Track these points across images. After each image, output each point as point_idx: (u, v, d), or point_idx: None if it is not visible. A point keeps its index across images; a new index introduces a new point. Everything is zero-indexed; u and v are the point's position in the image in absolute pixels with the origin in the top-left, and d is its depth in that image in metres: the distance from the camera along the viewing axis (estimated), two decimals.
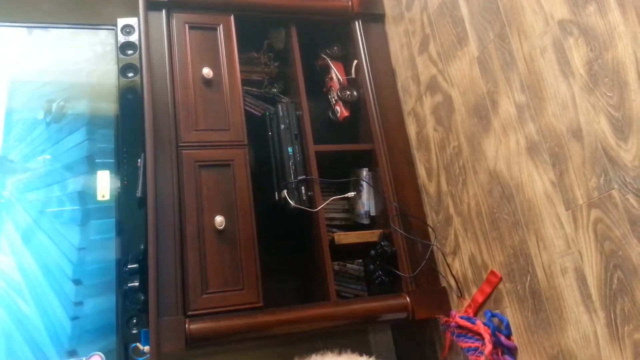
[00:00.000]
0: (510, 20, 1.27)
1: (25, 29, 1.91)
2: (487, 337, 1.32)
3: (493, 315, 1.36)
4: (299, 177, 1.67)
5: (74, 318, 1.57)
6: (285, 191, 1.66)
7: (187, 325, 1.37)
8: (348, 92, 1.85)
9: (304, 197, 1.66)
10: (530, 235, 1.24)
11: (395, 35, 1.84)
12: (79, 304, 1.59)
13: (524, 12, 1.22)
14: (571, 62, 1.09)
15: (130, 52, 1.73)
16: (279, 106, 1.77)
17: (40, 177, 1.72)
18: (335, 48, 1.94)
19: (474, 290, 1.45)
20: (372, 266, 1.66)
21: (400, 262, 1.61)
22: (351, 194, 1.75)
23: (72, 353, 1.54)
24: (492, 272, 1.38)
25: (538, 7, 1.17)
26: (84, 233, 1.68)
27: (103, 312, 1.59)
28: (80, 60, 1.87)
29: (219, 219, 1.50)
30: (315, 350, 1.51)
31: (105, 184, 1.71)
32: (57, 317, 1.58)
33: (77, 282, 1.61)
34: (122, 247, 1.60)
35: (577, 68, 1.08)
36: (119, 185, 1.70)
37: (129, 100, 1.73)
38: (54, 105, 1.80)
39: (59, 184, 1.73)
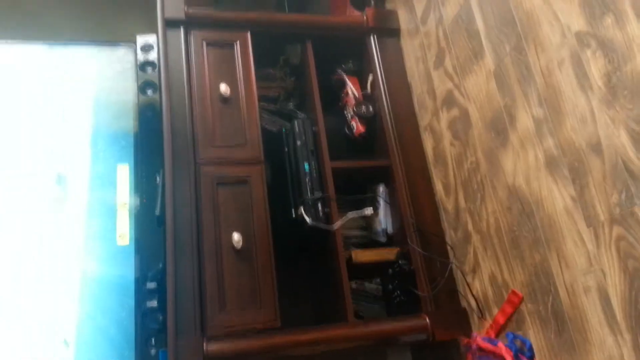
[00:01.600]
0: (527, 33, 1.24)
1: (45, 46, 1.96)
2: (508, 359, 1.28)
3: (515, 337, 1.32)
4: (316, 194, 1.65)
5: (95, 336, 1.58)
6: (302, 208, 1.65)
7: (205, 346, 1.36)
8: (364, 108, 1.83)
9: (321, 214, 1.64)
10: (552, 253, 1.20)
11: (411, 50, 1.83)
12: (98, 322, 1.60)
13: (540, 24, 1.20)
14: (589, 75, 1.06)
15: (149, 69, 1.75)
16: (295, 122, 1.77)
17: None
18: (351, 63, 1.93)
19: (495, 310, 1.41)
20: (390, 285, 1.63)
21: (419, 280, 1.58)
22: (368, 211, 1.73)
23: None
24: (514, 292, 1.33)
25: (555, 19, 1.15)
26: (103, 249, 1.70)
27: (122, 331, 1.60)
28: (99, 77, 1.90)
29: (236, 237, 1.49)
30: None
31: (125, 197, 1.72)
32: (80, 334, 1.59)
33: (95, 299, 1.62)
34: (140, 265, 1.61)
35: (595, 81, 1.05)
36: (138, 203, 1.71)
37: (148, 117, 1.75)
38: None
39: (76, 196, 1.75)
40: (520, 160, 1.29)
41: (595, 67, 1.05)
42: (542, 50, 1.20)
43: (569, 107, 1.13)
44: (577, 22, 1.09)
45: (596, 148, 1.05)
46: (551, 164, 1.18)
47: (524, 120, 1.27)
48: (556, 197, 1.17)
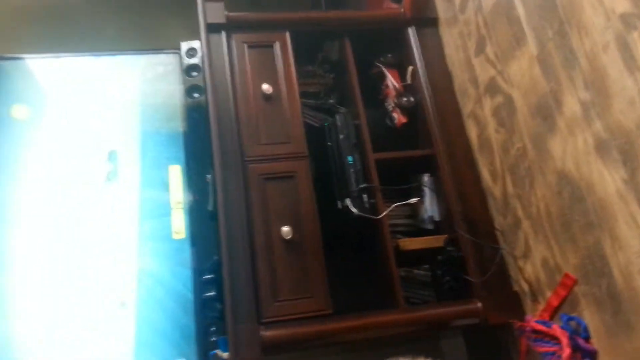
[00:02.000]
0: (569, 17, 1.24)
1: (92, 57, 2.05)
2: (564, 340, 1.29)
3: (570, 319, 1.33)
4: (361, 186, 1.69)
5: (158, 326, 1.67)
6: (348, 200, 1.69)
7: (262, 333, 1.42)
8: (405, 99, 1.85)
9: (367, 205, 1.68)
10: (605, 235, 1.20)
11: (450, 38, 1.84)
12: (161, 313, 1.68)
13: (582, 8, 1.19)
14: (636, 57, 1.06)
15: (194, 73, 1.82)
16: (337, 116, 1.80)
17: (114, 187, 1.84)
18: (390, 55, 1.95)
19: (548, 293, 1.42)
20: (439, 271, 1.65)
21: (469, 266, 1.60)
22: (414, 200, 1.75)
23: None
24: (567, 275, 1.34)
25: (598, 2, 1.15)
26: (161, 243, 1.78)
27: (183, 319, 1.68)
28: (147, 84, 1.98)
29: (286, 229, 1.55)
30: (387, 356, 1.53)
31: (179, 196, 1.80)
32: (141, 325, 1.68)
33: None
34: (197, 258, 1.69)
35: None
36: (191, 199, 1.79)
37: (195, 119, 1.82)
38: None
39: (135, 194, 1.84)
40: (569, 144, 1.29)
41: None
42: (585, 34, 1.19)
43: (616, 89, 1.12)
44: (621, 3, 1.08)
45: None
46: (600, 147, 1.19)
47: (571, 105, 1.27)
48: (607, 180, 1.17)
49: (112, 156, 1.89)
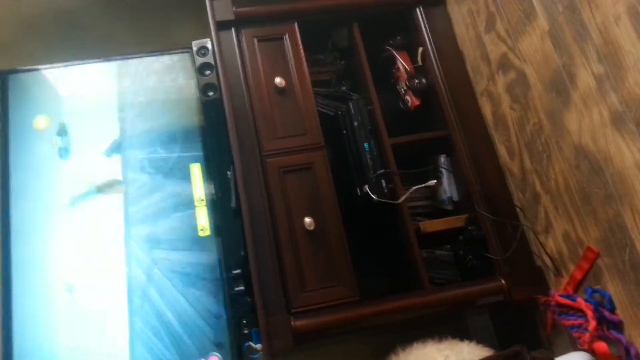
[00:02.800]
0: None
1: (104, 62, 2.08)
2: (589, 313, 1.31)
3: (594, 291, 1.34)
4: (378, 172, 1.71)
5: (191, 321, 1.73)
6: (366, 186, 1.71)
7: (292, 322, 1.46)
8: (417, 81, 1.85)
9: (385, 190, 1.70)
10: (625, 207, 1.20)
11: (459, 17, 1.82)
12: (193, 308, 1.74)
13: None
14: None
15: (207, 72, 1.84)
16: (350, 104, 1.81)
17: (140, 187, 1.89)
18: (399, 38, 1.94)
19: (571, 267, 1.43)
20: (461, 251, 1.67)
21: (490, 244, 1.62)
22: (432, 182, 1.77)
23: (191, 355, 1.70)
24: (589, 248, 1.35)
25: None
26: (187, 241, 1.83)
27: (214, 314, 1.73)
28: (161, 86, 2.01)
29: (308, 220, 1.58)
30: (415, 338, 1.56)
31: (201, 194, 1.85)
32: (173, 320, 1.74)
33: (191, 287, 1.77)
34: (224, 254, 1.73)
35: None
36: (213, 196, 1.83)
37: (211, 117, 1.85)
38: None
39: (160, 193, 1.89)
40: (585, 118, 1.28)
41: None
42: (596, 7, 1.18)
43: (630, 61, 1.12)
44: None
45: None
46: (617, 119, 1.18)
47: (585, 78, 1.26)
48: (625, 152, 1.17)
49: (128, 157, 1.94)
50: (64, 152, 1.93)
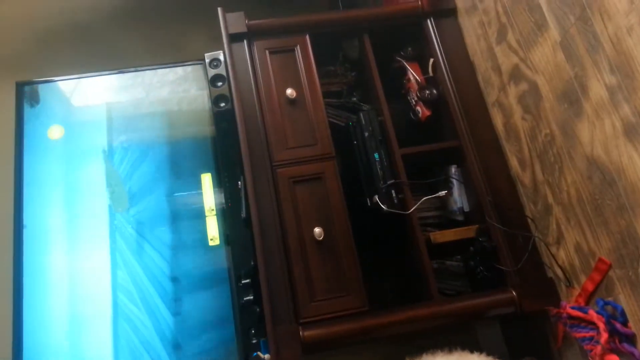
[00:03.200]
0: (591, 2, 1.23)
1: (118, 74, 2.12)
2: (601, 325, 1.29)
3: (606, 304, 1.33)
4: (388, 182, 1.71)
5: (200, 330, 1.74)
6: (376, 196, 1.71)
7: (301, 332, 1.46)
8: (427, 92, 1.86)
9: (395, 201, 1.70)
10: (637, 219, 1.19)
11: (470, 28, 1.83)
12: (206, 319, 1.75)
13: None
14: None
15: (219, 83, 1.86)
16: (361, 114, 1.82)
17: (152, 195, 1.91)
18: (410, 49, 1.95)
19: (583, 279, 1.41)
20: (472, 262, 1.66)
21: (501, 255, 1.61)
22: (442, 193, 1.77)
23: None
24: (601, 260, 1.34)
25: None
26: (197, 250, 1.84)
27: (223, 323, 1.74)
28: (174, 97, 2.04)
29: (318, 231, 1.58)
30: (424, 349, 1.55)
31: (211, 203, 1.86)
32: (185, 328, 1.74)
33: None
34: (234, 265, 1.74)
35: None
36: (224, 205, 1.84)
37: (223, 128, 1.87)
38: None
39: (171, 201, 1.91)
40: (597, 129, 1.28)
41: None
42: (608, 18, 1.18)
43: None
44: None
45: None
46: (629, 131, 1.18)
47: (597, 90, 1.26)
48: (637, 163, 1.17)
49: (144, 166, 1.96)
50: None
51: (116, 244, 1.84)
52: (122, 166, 1.96)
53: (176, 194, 1.95)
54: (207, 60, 1.88)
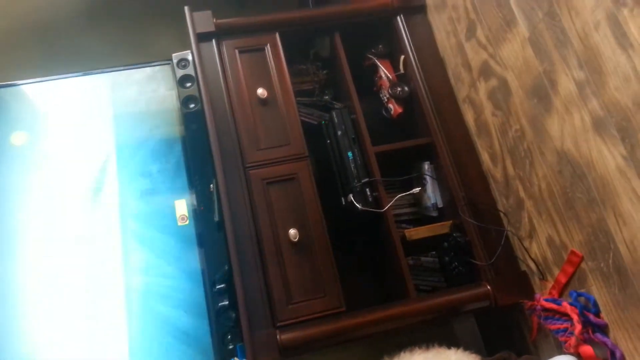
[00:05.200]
0: None
1: (83, 76, 2.06)
2: (575, 317, 1.31)
3: (579, 295, 1.35)
4: (363, 180, 1.70)
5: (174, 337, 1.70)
6: (351, 195, 1.70)
7: (278, 336, 1.44)
8: (399, 88, 1.86)
9: (370, 199, 1.69)
10: (608, 211, 1.21)
11: (440, 24, 1.83)
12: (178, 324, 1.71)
13: None
14: (628, 34, 1.06)
15: (188, 84, 1.82)
16: (334, 113, 1.81)
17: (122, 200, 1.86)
18: (380, 46, 1.95)
19: (556, 271, 1.43)
20: (447, 258, 1.67)
21: (475, 250, 1.62)
22: (416, 190, 1.77)
23: None
24: (573, 252, 1.36)
25: None
26: (170, 257, 1.80)
27: (198, 330, 1.70)
28: (142, 98, 1.99)
29: (293, 232, 1.57)
30: (402, 346, 1.55)
31: (183, 211, 1.82)
32: (157, 336, 1.70)
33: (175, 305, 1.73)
34: (208, 270, 1.70)
35: (635, 39, 1.05)
36: (195, 210, 1.81)
37: (193, 129, 1.83)
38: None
39: (138, 210, 1.86)
40: (566, 123, 1.30)
41: (634, 26, 1.04)
42: (576, 13, 1.19)
43: (610, 67, 1.13)
44: None
45: None
46: (598, 125, 1.19)
47: (566, 84, 1.27)
48: (607, 157, 1.18)
49: (107, 171, 1.91)
50: None
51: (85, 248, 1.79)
52: (91, 170, 1.90)
53: (147, 196, 1.90)
54: (174, 61, 1.84)
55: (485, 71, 1.61)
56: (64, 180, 1.89)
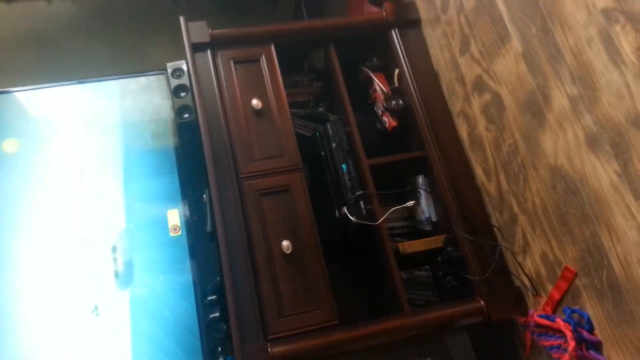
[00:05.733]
0: (551, 13, 1.25)
1: (77, 85, 2.05)
2: (568, 333, 1.30)
3: (573, 312, 1.34)
4: (357, 193, 1.70)
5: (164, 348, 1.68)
6: (345, 208, 1.69)
7: (269, 349, 1.43)
8: (394, 102, 1.86)
9: (364, 212, 1.69)
10: (602, 228, 1.21)
11: (434, 39, 1.84)
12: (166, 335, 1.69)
13: (563, 4, 1.20)
14: (621, 50, 1.07)
15: (182, 94, 1.82)
16: (328, 125, 1.81)
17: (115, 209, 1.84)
18: (375, 59, 1.96)
19: (549, 287, 1.43)
20: (440, 272, 1.66)
21: (469, 265, 1.61)
22: (410, 203, 1.76)
23: None
24: (567, 268, 1.35)
25: None
26: (161, 267, 1.78)
27: (188, 342, 1.68)
28: (136, 108, 1.98)
29: (286, 244, 1.55)
30: (395, 358, 1.54)
31: (175, 221, 1.81)
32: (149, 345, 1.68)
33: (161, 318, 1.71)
34: (200, 281, 1.69)
35: (627, 55, 1.05)
36: (188, 220, 1.79)
37: (187, 140, 1.82)
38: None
39: (129, 220, 1.85)
40: (560, 139, 1.30)
41: (627, 42, 1.05)
42: (569, 29, 1.20)
43: (603, 83, 1.13)
44: None
45: (636, 122, 1.06)
46: (592, 140, 1.20)
47: (559, 100, 1.28)
48: (600, 173, 1.18)
49: (99, 179, 1.89)
50: None
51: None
52: (83, 179, 1.89)
53: (140, 206, 1.88)
54: (169, 70, 1.83)
55: (479, 86, 1.61)
56: (54, 189, 1.87)
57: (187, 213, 1.80)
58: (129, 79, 2.03)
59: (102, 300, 1.73)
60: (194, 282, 1.70)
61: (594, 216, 1.23)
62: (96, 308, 1.72)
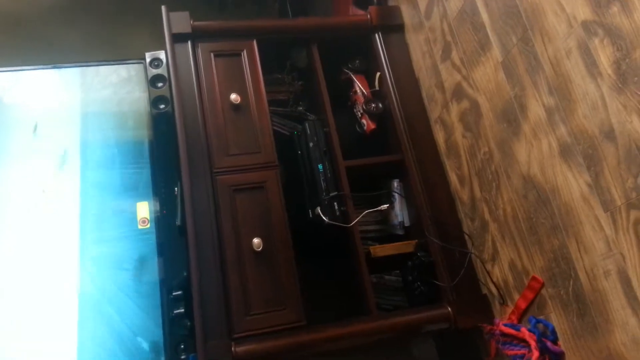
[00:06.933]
0: (532, 23, 1.26)
1: (53, 69, 2.00)
2: (533, 343, 1.31)
3: (538, 322, 1.35)
4: (331, 194, 1.68)
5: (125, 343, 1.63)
6: (318, 208, 1.68)
7: (233, 348, 1.40)
8: (373, 105, 1.86)
9: (337, 213, 1.67)
10: (570, 238, 1.22)
11: (417, 44, 1.85)
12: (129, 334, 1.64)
13: (545, 15, 1.21)
14: (598, 63, 1.08)
15: (160, 84, 1.79)
16: (306, 124, 1.79)
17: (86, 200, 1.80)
18: (357, 62, 1.95)
19: (516, 296, 1.43)
20: (410, 277, 1.66)
21: (439, 271, 1.61)
22: (384, 207, 1.76)
23: None
24: (534, 278, 1.36)
25: (560, 9, 1.17)
26: (127, 261, 1.74)
27: (151, 337, 1.64)
28: (111, 96, 1.94)
29: (257, 241, 1.53)
30: None
31: (145, 213, 1.77)
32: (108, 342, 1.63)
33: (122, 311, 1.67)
34: (166, 277, 1.65)
35: (604, 68, 1.07)
36: (158, 214, 1.75)
37: (162, 131, 1.79)
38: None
39: (100, 211, 1.80)
40: (534, 149, 1.31)
41: (604, 55, 1.06)
42: (549, 40, 1.21)
43: (579, 95, 1.15)
44: (582, 11, 1.11)
45: (609, 134, 1.07)
46: (565, 151, 1.21)
47: (535, 110, 1.29)
48: (572, 184, 1.19)
49: (69, 167, 1.84)
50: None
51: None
52: (51, 166, 1.83)
53: (110, 198, 1.83)
54: (147, 60, 1.80)
55: (458, 93, 1.62)
56: (21, 176, 1.82)
57: (158, 206, 1.77)
58: (107, 67, 1.98)
59: (63, 289, 1.68)
60: (160, 276, 1.66)
61: (564, 227, 1.24)
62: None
